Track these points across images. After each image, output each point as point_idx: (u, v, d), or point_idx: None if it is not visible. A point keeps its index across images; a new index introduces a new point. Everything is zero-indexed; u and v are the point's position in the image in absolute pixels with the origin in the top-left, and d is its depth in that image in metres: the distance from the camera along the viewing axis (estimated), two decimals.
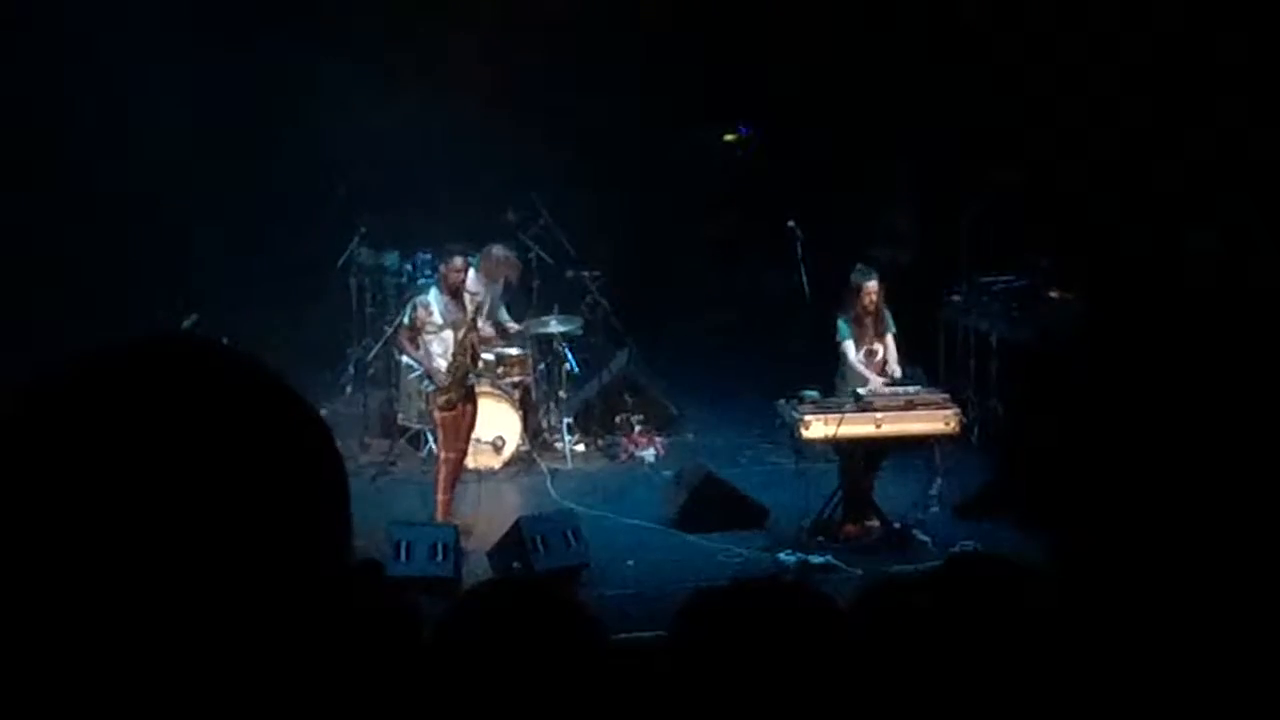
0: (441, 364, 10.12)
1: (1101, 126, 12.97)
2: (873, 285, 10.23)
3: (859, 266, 10.44)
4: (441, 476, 10.13)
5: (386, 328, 12.77)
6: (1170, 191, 12.32)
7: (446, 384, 10.07)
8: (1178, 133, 12.31)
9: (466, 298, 10.41)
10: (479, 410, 10.83)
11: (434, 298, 10.29)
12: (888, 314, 10.38)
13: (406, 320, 10.49)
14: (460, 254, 10.54)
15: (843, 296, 10.39)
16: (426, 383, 10.34)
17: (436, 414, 10.24)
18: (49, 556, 1.17)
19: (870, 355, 10.34)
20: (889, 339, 10.37)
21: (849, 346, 10.30)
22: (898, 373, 10.33)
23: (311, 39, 13.53)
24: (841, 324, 10.32)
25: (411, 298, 10.91)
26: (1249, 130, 11.94)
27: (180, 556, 1.19)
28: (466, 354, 10.15)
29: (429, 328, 10.19)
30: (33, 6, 12.92)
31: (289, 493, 1.25)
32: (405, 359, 11.21)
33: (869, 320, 10.31)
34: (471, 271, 12.20)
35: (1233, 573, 1.35)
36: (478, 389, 11.06)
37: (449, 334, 10.17)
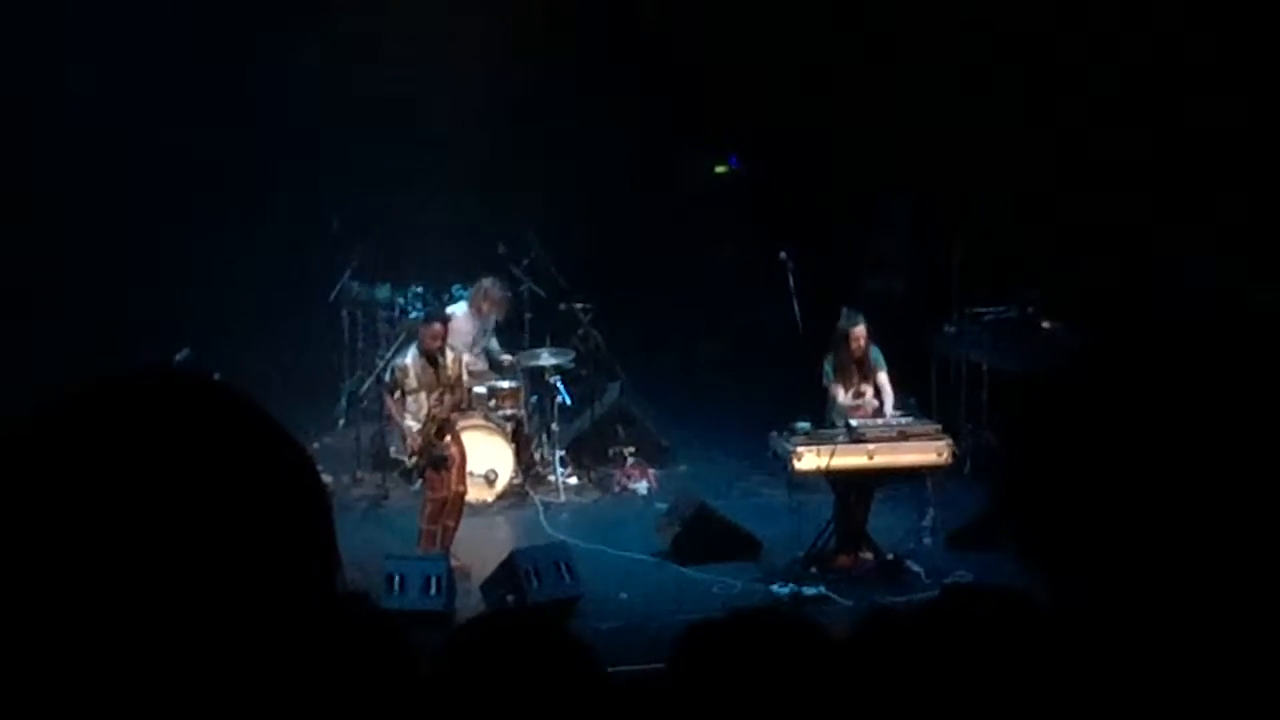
0: (413, 425, 10.15)
1: (1092, 153, 13.01)
2: (860, 330, 10.20)
3: (845, 311, 10.38)
4: (427, 512, 10.13)
5: (378, 361, 12.78)
6: (1163, 217, 12.36)
7: (415, 449, 10.12)
8: (1167, 156, 12.36)
9: (449, 355, 10.38)
10: (473, 443, 10.88)
11: (411, 359, 10.30)
12: (877, 353, 10.35)
13: (388, 380, 10.56)
14: (438, 318, 10.53)
15: (830, 340, 10.36)
16: (396, 448, 10.43)
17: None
18: (34, 588, 1.17)
19: (858, 397, 10.31)
20: (881, 377, 10.33)
21: (837, 390, 10.29)
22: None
23: (303, 69, 13.56)
24: (827, 368, 10.31)
25: (391, 360, 10.98)
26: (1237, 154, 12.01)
27: (164, 590, 1.18)
28: (434, 423, 10.15)
29: (407, 388, 10.24)
30: (30, 37, 12.93)
31: (273, 527, 1.25)
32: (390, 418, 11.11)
33: (854, 365, 10.29)
34: (464, 306, 12.24)
35: (1239, 606, 1.34)
36: (470, 423, 11.10)
37: (423, 396, 10.20)
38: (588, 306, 12.95)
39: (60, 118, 12.87)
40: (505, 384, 12.29)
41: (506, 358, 12.46)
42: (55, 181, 12.91)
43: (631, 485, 12.40)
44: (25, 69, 12.76)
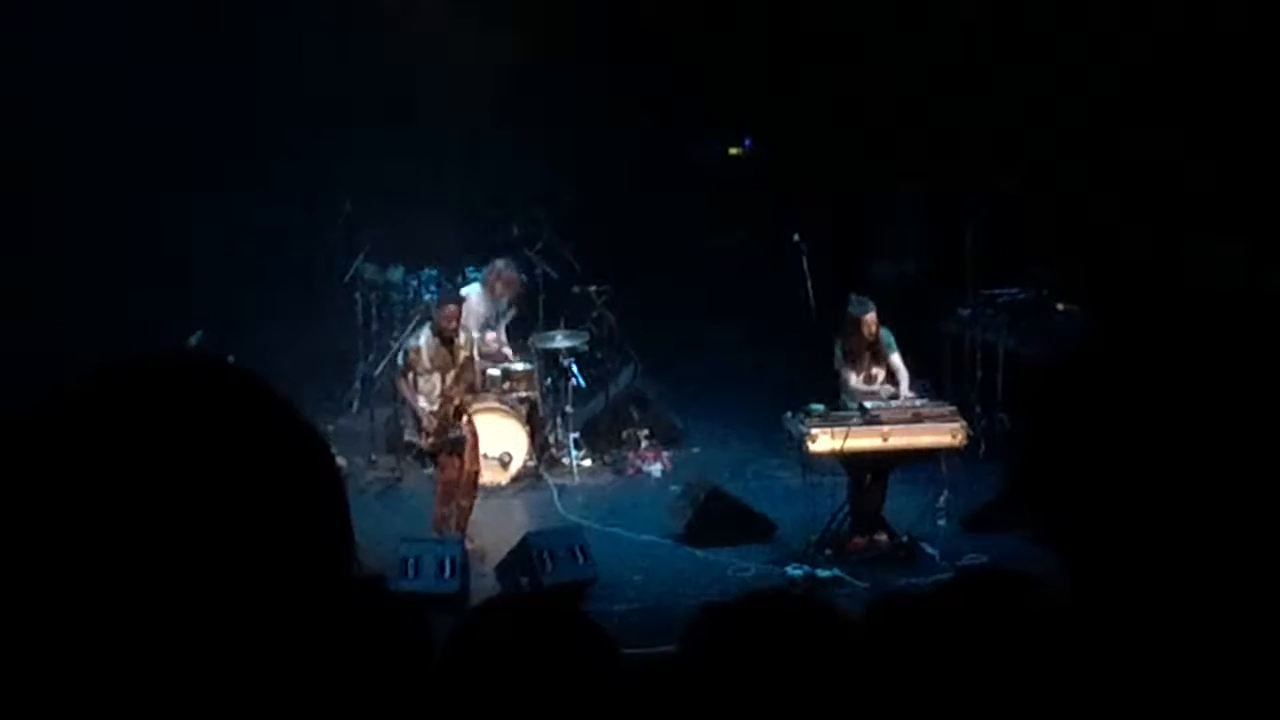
0: (427, 407, 10.14)
1: (1104, 131, 12.96)
2: (871, 316, 10.16)
3: (854, 298, 10.36)
4: (439, 494, 10.18)
5: (392, 343, 12.79)
6: (1176, 197, 12.32)
7: (431, 430, 10.12)
8: (1182, 136, 12.31)
9: (462, 337, 10.40)
10: (488, 425, 10.90)
11: (424, 341, 10.29)
12: (888, 335, 10.32)
13: (400, 362, 10.56)
14: (453, 300, 10.52)
15: (840, 325, 10.33)
16: (410, 430, 10.42)
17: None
18: (48, 570, 1.17)
19: (870, 381, 10.29)
20: (894, 359, 10.30)
21: (849, 374, 10.28)
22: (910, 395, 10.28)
23: (313, 49, 13.54)
24: (839, 352, 10.29)
25: (404, 341, 10.97)
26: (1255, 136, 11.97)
27: (178, 573, 1.18)
28: (450, 405, 10.17)
29: (420, 369, 10.24)
30: (31, 18, 12.92)
31: (288, 510, 1.25)
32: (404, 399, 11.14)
33: (866, 350, 10.27)
34: (477, 287, 12.23)
35: (1251, 587, 1.34)
36: (484, 405, 11.12)
37: (437, 377, 10.21)
38: (602, 289, 12.95)
39: (60, 103, 12.84)
40: (519, 367, 12.30)
41: (506, 350, 12.41)
42: (58, 163, 12.89)
43: (645, 468, 12.41)
44: (25, 58, 12.75)
